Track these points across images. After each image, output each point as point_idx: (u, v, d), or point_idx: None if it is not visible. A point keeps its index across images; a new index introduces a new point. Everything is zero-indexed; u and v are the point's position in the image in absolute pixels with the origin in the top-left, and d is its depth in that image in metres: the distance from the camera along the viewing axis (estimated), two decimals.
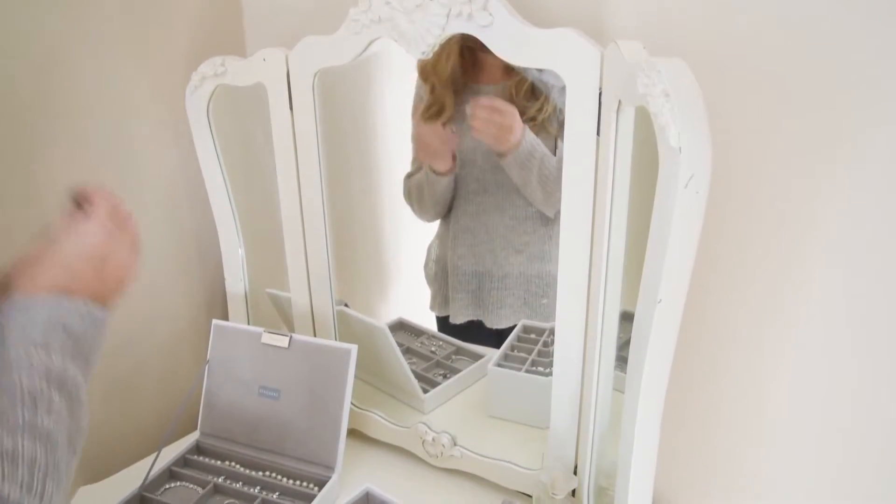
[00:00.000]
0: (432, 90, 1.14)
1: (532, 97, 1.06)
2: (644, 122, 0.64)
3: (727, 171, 0.76)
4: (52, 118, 1.06)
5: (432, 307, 1.34)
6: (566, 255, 0.87)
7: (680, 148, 0.55)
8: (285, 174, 1.12)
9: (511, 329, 1.20)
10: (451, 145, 1.16)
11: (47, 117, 1.05)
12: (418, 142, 1.23)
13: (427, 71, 1.13)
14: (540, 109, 1.05)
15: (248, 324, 1.32)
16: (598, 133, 0.78)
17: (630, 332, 0.70)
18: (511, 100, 1.06)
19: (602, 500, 0.95)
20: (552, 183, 1.06)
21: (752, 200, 0.79)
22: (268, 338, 1.12)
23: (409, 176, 1.27)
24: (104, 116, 1.12)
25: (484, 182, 1.15)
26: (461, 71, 1.11)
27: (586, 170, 0.80)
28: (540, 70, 1.00)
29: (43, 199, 1.06)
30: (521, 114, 1.04)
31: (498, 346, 1.22)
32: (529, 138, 1.04)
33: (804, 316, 0.79)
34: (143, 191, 1.21)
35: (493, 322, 1.21)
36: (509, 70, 1.06)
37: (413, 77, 1.19)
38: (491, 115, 1.05)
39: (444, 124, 1.15)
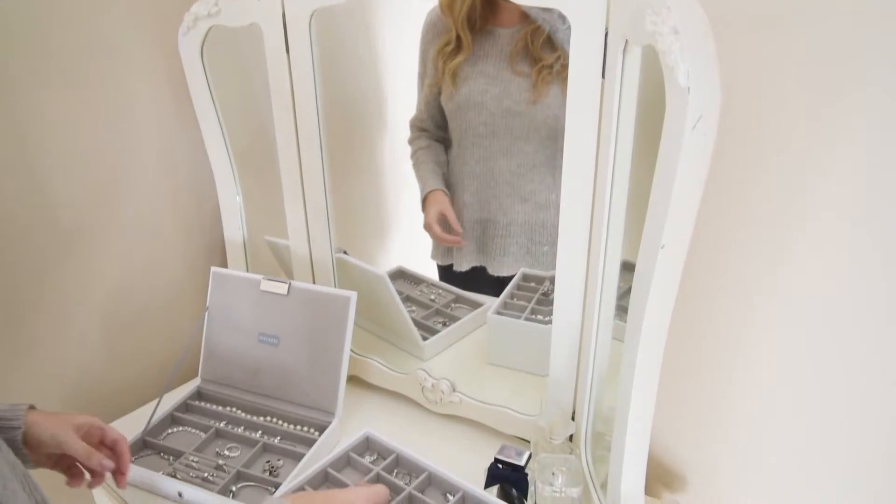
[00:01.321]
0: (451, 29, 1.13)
1: (549, 48, 1.04)
2: (651, 61, 0.62)
3: (732, 113, 0.74)
4: (44, 59, 1.03)
5: (434, 256, 1.33)
6: (568, 201, 0.85)
7: (689, 88, 0.53)
8: (282, 119, 1.10)
9: (512, 276, 1.20)
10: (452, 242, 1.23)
11: (38, 58, 1.02)
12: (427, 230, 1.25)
13: (445, 9, 1.12)
14: (557, 59, 1.04)
15: (247, 271, 1.31)
16: (602, 75, 0.75)
17: (631, 281, 0.69)
18: (527, 47, 1.05)
19: (599, 446, 0.96)
20: None
21: (757, 145, 0.78)
22: (267, 285, 1.11)
23: (409, 141, 1.27)
24: (94, 60, 1.09)
25: (493, 126, 1.13)
26: (478, 12, 1.09)
27: (590, 114, 0.78)
28: (550, 12, 0.98)
29: (31, 139, 1.04)
30: (537, 62, 1.04)
31: (499, 293, 1.22)
32: None
33: (805, 264, 0.79)
34: (137, 137, 1.19)
35: (496, 269, 1.21)
36: (525, 16, 1.05)
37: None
38: None
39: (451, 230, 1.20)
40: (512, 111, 1.10)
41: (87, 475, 0.85)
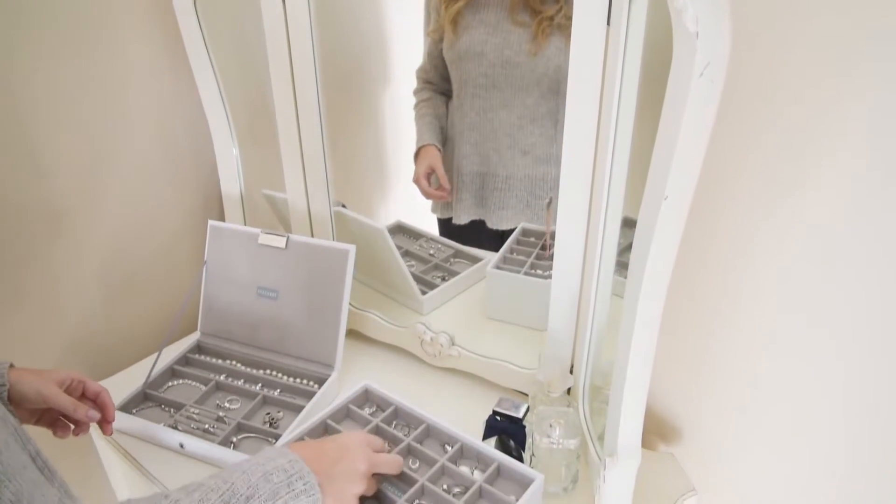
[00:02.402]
0: None
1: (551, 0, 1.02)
2: (658, 7, 0.60)
3: (740, 62, 0.73)
4: (36, 19, 1.00)
5: (433, 209, 1.32)
6: (569, 155, 0.84)
7: (697, 33, 0.51)
8: (278, 68, 1.07)
9: (513, 231, 1.19)
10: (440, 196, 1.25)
11: (31, 18, 1.00)
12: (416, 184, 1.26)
13: None
14: (559, 11, 1.01)
15: (245, 225, 1.30)
16: (608, 23, 0.73)
17: (631, 237, 0.68)
18: None
19: (597, 399, 0.96)
20: None
21: (766, 95, 0.76)
22: (265, 238, 1.10)
23: (414, 92, 1.25)
24: (88, 14, 1.06)
25: (493, 77, 1.11)
26: None
27: (594, 64, 0.76)
28: None
29: (20, 93, 1.02)
30: (537, 13, 1.02)
31: (498, 247, 1.21)
32: None
33: (806, 224, 0.78)
34: (132, 92, 1.17)
35: (495, 223, 1.20)
36: None
37: None
38: None
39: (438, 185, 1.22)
40: (512, 62, 1.08)
41: (72, 426, 0.87)
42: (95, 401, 0.89)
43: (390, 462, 0.81)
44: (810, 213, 0.77)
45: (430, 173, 1.23)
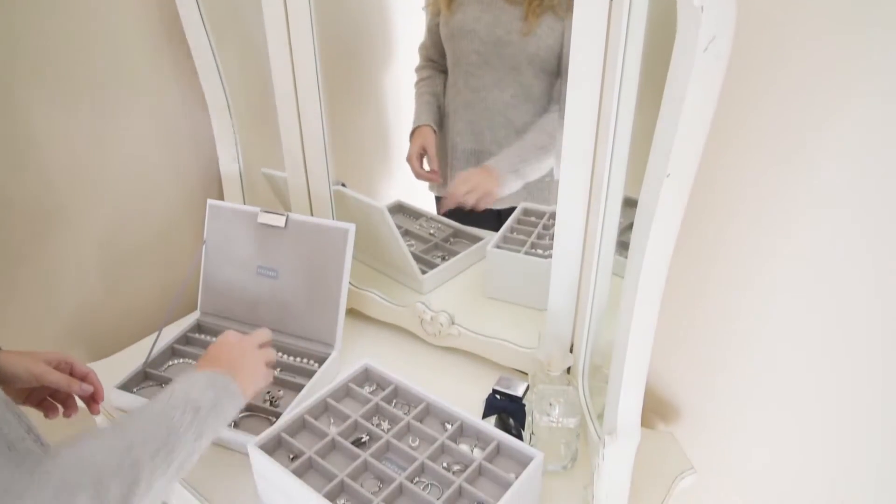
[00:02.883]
0: None
1: None
2: None
3: (747, 38, 0.72)
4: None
5: (431, 187, 1.31)
6: (570, 133, 0.83)
7: (702, 6, 0.50)
8: (276, 44, 1.06)
9: (509, 210, 1.19)
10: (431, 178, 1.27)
11: None
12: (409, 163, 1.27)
13: None
14: None
15: (244, 204, 1.30)
16: None
17: (632, 217, 0.67)
18: None
19: (596, 378, 0.97)
20: (546, 150, 1.12)
21: (772, 73, 0.75)
22: (264, 217, 1.10)
23: (416, 69, 1.24)
24: None
25: (485, 55, 1.10)
26: None
27: (597, 41, 0.75)
28: None
29: (18, 75, 1.01)
30: None
31: (496, 228, 1.21)
32: (506, 178, 1.13)
33: (812, 204, 0.77)
34: (130, 70, 1.15)
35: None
36: None
37: None
38: (466, 197, 1.16)
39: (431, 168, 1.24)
40: (503, 41, 1.07)
41: (61, 407, 0.87)
42: (85, 380, 0.89)
43: (260, 333, 0.89)
44: (816, 193, 0.76)
45: (424, 154, 1.23)
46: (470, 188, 1.16)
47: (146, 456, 0.63)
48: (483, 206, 1.17)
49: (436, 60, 1.21)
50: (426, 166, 1.25)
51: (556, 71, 1.07)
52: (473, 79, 1.13)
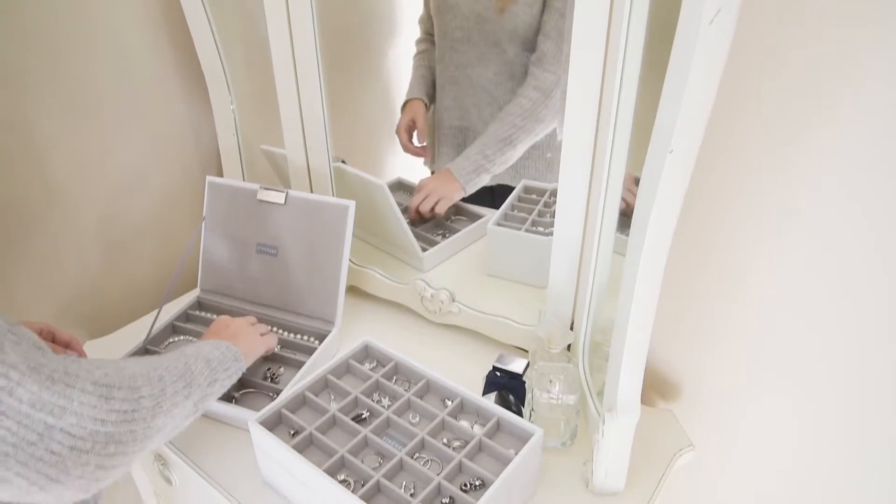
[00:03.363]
0: None
1: None
2: None
3: (752, 12, 0.71)
4: None
5: (426, 163, 1.31)
6: (573, 110, 0.82)
7: None
8: (274, 17, 1.04)
9: (500, 187, 1.18)
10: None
11: None
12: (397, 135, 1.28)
13: None
14: None
15: (243, 181, 1.29)
16: None
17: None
18: None
19: (596, 355, 0.97)
20: (511, 142, 1.11)
21: (777, 45, 0.74)
22: (264, 194, 1.09)
23: (416, 42, 1.23)
24: None
25: (468, 30, 1.09)
26: None
27: (599, 16, 0.74)
28: None
29: (13, 51, 1.00)
30: None
31: (488, 205, 1.20)
32: (468, 179, 1.14)
33: (814, 179, 0.77)
34: (127, 47, 1.14)
35: None
36: None
37: None
38: (423, 204, 1.20)
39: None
40: (483, 17, 1.07)
41: None
42: (69, 347, 0.91)
43: (247, 318, 1.01)
44: (818, 167, 0.76)
45: (413, 128, 1.23)
46: (426, 194, 1.18)
47: (169, 379, 0.71)
48: (441, 209, 1.20)
49: (433, 34, 1.20)
50: (416, 141, 1.24)
51: (538, 48, 1.06)
52: (458, 55, 1.12)
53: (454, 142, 1.20)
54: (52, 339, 0.89)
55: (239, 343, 0.89)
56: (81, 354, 0.90)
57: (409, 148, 1.25)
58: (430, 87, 1.22)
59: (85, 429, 0.58)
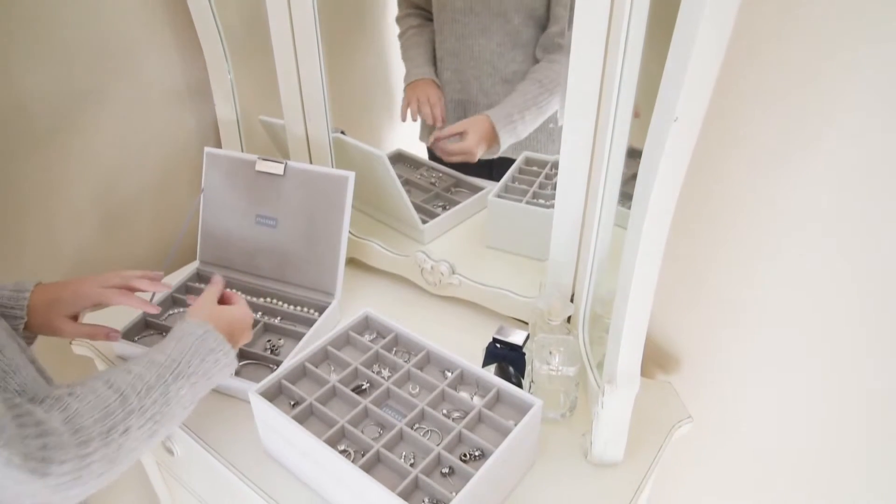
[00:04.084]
0: None
1: None
2: None
3: None
4: None
5: (422, 137, 1.29)
6: (575, 79, 0.81)
7: None
8: None
9: (500, 160, 1.17)
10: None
11: None
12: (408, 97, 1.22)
13: None
14: None
15: (242, 152, 1.28)
16: None
17: (636, 167, 0.66)
18: None
19: (597, 327, 0.97)
20: (544, 103, 1.09)
21: (781, 18, 0.73)
22: (262, 165, 1.08)
23: (398, 19, 1.20)
24: None
25: (470, 1, 1.07)
26: None
27: None
28: None
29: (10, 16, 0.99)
30: None
31: (487, 177, 1.19)
32: (505, 131, 1.09)
33: (813, 152, 0.76)
34: (122, 17, 1.12)
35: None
36: None
37: None
38: (451, 157, 1.15)
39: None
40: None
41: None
42: (146, 278, 0.91)
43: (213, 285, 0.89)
44: (827, 143, 0.75)
45: (420, 111, 1.19)
46: (464, 129, 1.12)
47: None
48: (459, 158, 1.15)
49: (422, 7, 1.17)
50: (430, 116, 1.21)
51: (545, 17, 1.04)
52: (459, 26, 1.10)
53: (453, 116, 1.18)
54: (122, 285, 0.88)
55: (231, 337, 0.82)
56: (156, 282, 0.91)
57: (428, 115, 1.20)
58: (432, 63, 1.19)
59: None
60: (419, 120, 1.26)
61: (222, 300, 0.88)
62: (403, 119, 1.22)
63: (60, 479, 0.57)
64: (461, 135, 1.13)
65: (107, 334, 0.89)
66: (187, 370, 0.72)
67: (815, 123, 0.75)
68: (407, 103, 1.20)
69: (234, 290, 0.95)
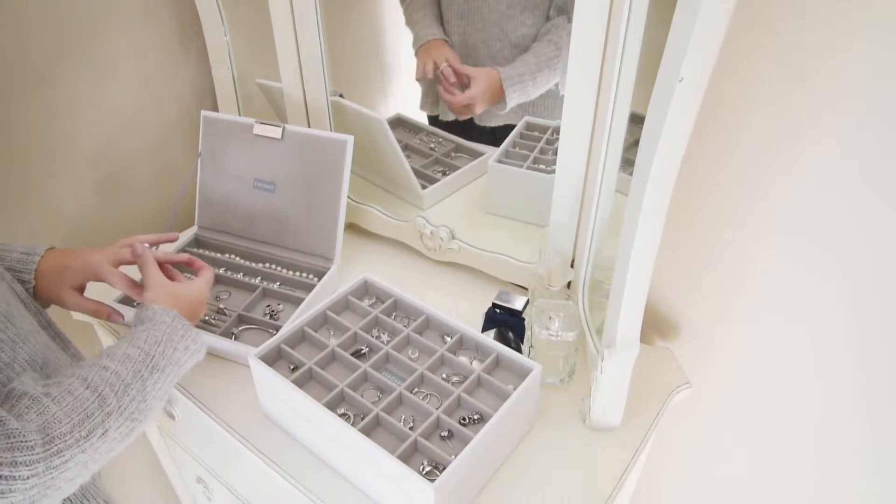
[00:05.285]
0: None
1: None
2: None
3: None
4: None
5: (423, 106, 1.27)
6: (578, 43, 0.79)
7: None
8: None
9: (503, 127, 1.15)
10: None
11: None
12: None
13: None
14: None
15: (239, 116, 1.26)
16: None
17: (638, 133, 0.65)
18: None
19: (597, 293, 0.96)
20: (558, 66, 1.06)
21: None
22: (260, 129, 1.07)
23: None
24: None
25: None
26: None
27: None
28: None
29: None
30: None
31: (490, 144, 1.17)
32: (512, 89, 1.07)
33: (815, 118, 0.75)
34: None
35: (484, 119, 1.16)
36: None
37: None
38: (461, 110, 1.13)
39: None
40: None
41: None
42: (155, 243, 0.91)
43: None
44: (832, 110, 0.74)
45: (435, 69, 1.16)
46: (473, 75, 1.09)
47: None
48: (460, 107, 1.12)
49: None
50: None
51: None
52: None
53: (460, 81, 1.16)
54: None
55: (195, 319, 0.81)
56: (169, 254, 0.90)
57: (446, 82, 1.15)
58: (440, 25, 1.16)
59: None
60: (421, 89, 1.24)
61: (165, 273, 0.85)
62: (419, 79, 1.20)
63: (26, 493, 0.55)
64: (467, 82, 1.10)
65: (109, 315, 0.86)
66: (161, 362, 0.70)
67: (828, 88, 0.73)
68: (423, 65, 1.17)
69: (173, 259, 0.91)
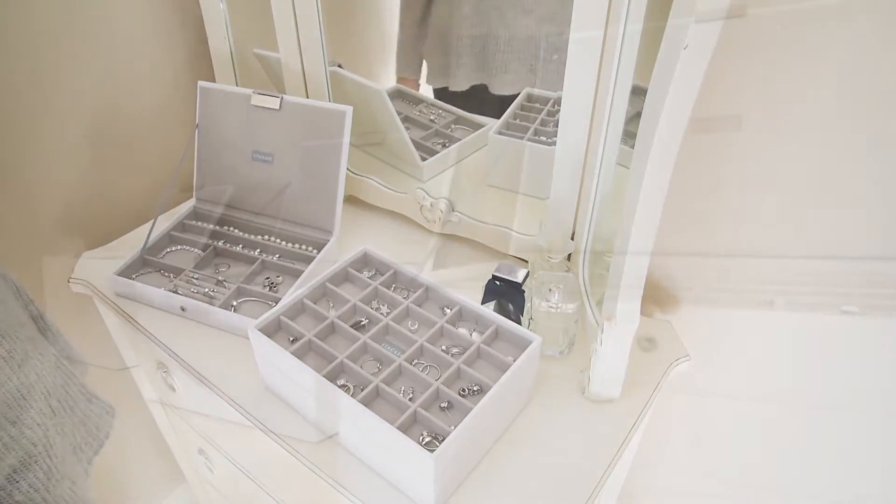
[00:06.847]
0: None
1: None
2: None
3: None
4: None
5: (429, 79, 1.26)
6: (580, 12, 0.78)
7: None
8: None
9: (516, 97, 1.14)
10: None
11: None
12: None
13: None
14: None
15: (236, 86, 1.25)
16: None
17: (640, 105, 0.64)
18: None
19: (597, 265, 0.96)
20: None
21: None
22: (258, 99, 1.06)
23: None
24: None
25: None
26: None
27: None
28: None
29: None
30: None
31: (500, 115, 1.16)
32: None
33: (817, 86, 0.74)
34: None
35: (498, 87, 1.14)
36: None
37: None
38: None
39: None
40: None
41: None
42: None
43: None
44: (821, 72, 0.73)
45: None
46: None
47: None
48: None
49: None
50: None
51: None
52: None
53: (473, 51, 1.14)
54: None
55: None
56: None
57: None
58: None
59: None
60: (427, 64, 1.22)
61: None
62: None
63: None
64: None
65: None
66: None
67: (831, 51, 0.72)
68: None
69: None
